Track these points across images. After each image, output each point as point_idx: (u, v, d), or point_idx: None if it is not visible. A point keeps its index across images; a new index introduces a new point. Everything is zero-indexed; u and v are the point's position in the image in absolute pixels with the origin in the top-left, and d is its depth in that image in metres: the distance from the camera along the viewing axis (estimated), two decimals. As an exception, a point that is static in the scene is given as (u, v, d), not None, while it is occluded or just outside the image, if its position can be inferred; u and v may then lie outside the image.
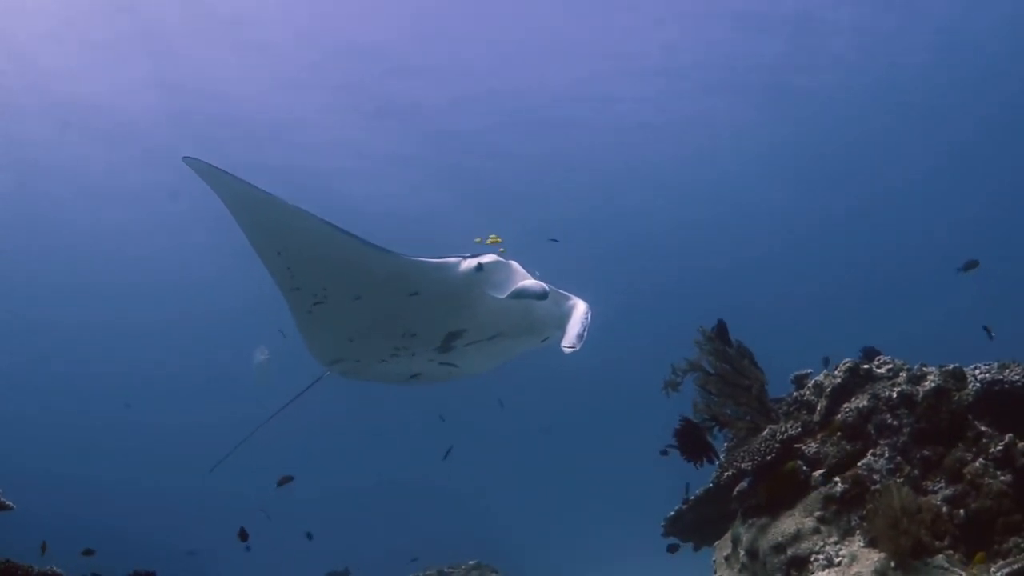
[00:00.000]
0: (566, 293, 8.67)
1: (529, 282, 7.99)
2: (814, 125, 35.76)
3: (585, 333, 7.77)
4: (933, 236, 40.48)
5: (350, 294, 8.58)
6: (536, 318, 8.70)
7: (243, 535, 9.07)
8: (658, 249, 43.62)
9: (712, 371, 7.29)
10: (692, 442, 6.99)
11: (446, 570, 13.03)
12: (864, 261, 44.14)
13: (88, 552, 8.72)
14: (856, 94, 33.71)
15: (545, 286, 7.97)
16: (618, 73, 31.54)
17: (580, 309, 8.28)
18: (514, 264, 8.27)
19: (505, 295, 7.96)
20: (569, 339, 7.70)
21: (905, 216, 41.75)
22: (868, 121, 35.83)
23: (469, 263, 8.14)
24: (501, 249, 8.41)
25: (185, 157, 7.45)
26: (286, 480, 11.61)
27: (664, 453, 7.50)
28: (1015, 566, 5.11)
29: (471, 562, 13.11)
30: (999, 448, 5.93)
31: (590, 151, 36.49)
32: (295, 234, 8.07)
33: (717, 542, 7.39)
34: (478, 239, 8.68)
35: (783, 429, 6.72)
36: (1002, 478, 5.78)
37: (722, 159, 37.87)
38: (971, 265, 14.41)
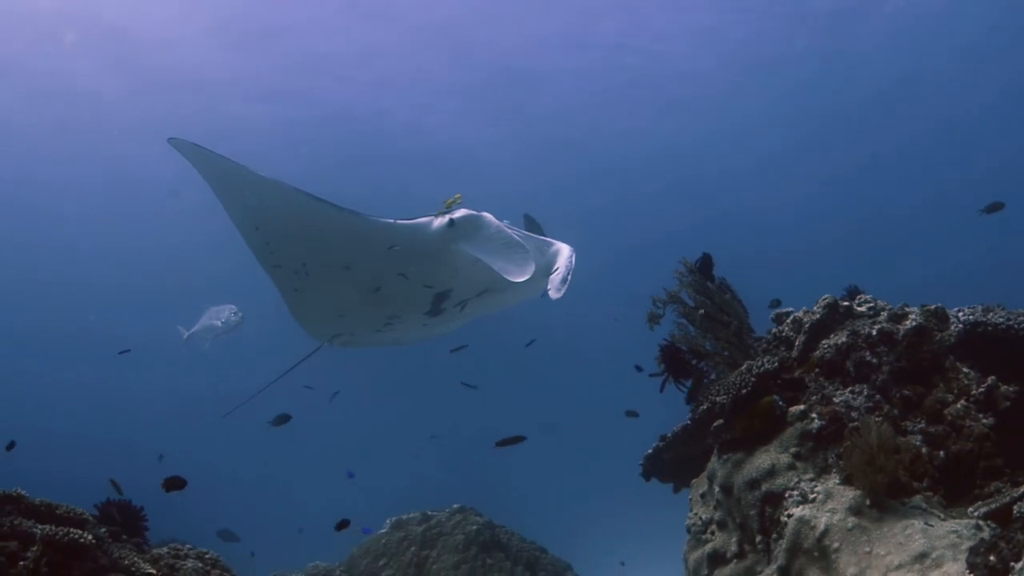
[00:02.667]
0: (549, 240, 8.58)
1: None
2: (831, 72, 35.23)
3: (569, 277, 7.66)
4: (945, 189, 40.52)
5: (330, 264, 8.56)
6: None
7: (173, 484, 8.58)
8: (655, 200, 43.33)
9: (692, 304, 7.18)
10: (677, 361, 6.93)
11: (430, 513, 13.03)
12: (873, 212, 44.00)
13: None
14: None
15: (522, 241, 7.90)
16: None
17: (564, 254, 8.18)
18: (487, 216, 8.14)
19: (482, 251, 7.93)
20: (553, 285, 7.61)
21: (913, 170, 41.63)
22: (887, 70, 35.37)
23: (441, 221, 8.11)
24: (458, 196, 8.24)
25: (171, 139, 7.72)
26: (283, 420, 11.25)
27: (639, 369, 7.44)
28: (993, 506, 5.03)
29: (455, 506, 13.11)
30: (981, 390, 5.85)
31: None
32: (270, 206, 8.22)
33: (694, 480, 7.32)
34: (448, 201, 8.47)
35: (760, 363, 6.61)
36: (984, 421, 5.70)
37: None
38: (995, 207, 13.34)
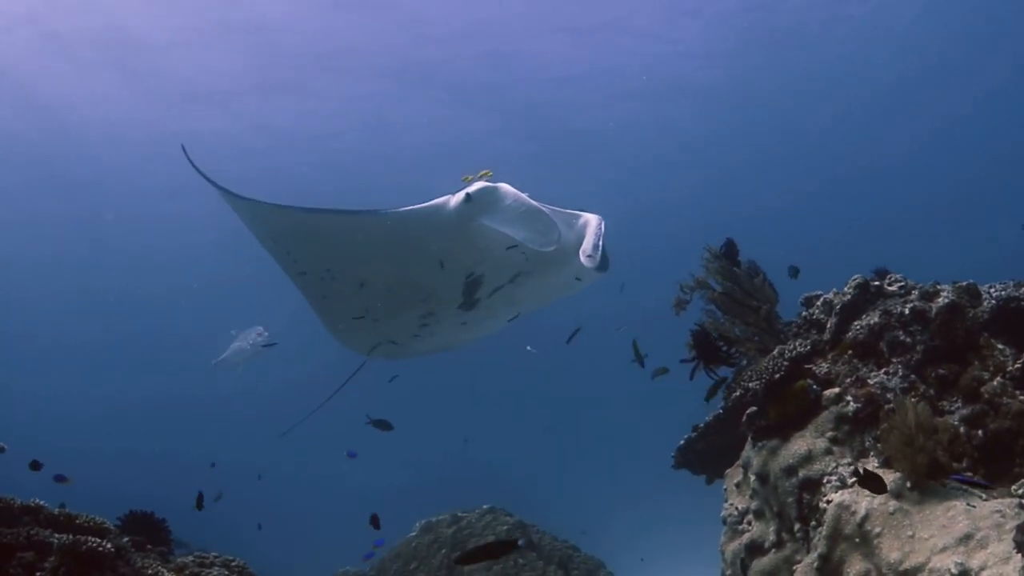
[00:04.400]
0: (575, 212, 8.37)
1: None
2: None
3: (600, 243, 7.52)
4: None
5: (355, 265, 8.55)
6: None
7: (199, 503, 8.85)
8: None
9: (720, 290, 7.09)
10: (708, 347, 6.83)
11: (460, 514, 12.95)
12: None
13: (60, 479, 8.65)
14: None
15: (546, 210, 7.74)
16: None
17: (593, 223, 7.98)
18: (504, 187, 7.96)
19: (503, 222, 7.74)
20: (585, 251, 7.45)
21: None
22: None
23: (457, 197, 7.93)
24: (489, 173, 8.09)
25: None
26: (383, 425, 10.67)
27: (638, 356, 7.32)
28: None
29: (485, 507, 13.03)
30: (1018, 366, 5.74)
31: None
32: (295, 231, 8.32)
33: (728, 470, 7.23)
34: (466, 177, 8.33)
35: (792, 347, 6.52)
36: (1021, 397, 5.58)
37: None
38: None
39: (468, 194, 7.84)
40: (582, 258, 7.42)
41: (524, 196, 7.88)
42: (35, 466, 8.31)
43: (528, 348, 18.68)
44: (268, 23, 28.35)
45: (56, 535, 5.22)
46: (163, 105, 31.04)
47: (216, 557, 6.68)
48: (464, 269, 8.61)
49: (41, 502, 5.63)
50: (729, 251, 7.25)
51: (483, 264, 8.55)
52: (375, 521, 9.45)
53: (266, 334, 21.10)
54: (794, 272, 7.91)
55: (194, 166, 8.22)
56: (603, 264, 8.97)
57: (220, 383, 36.50)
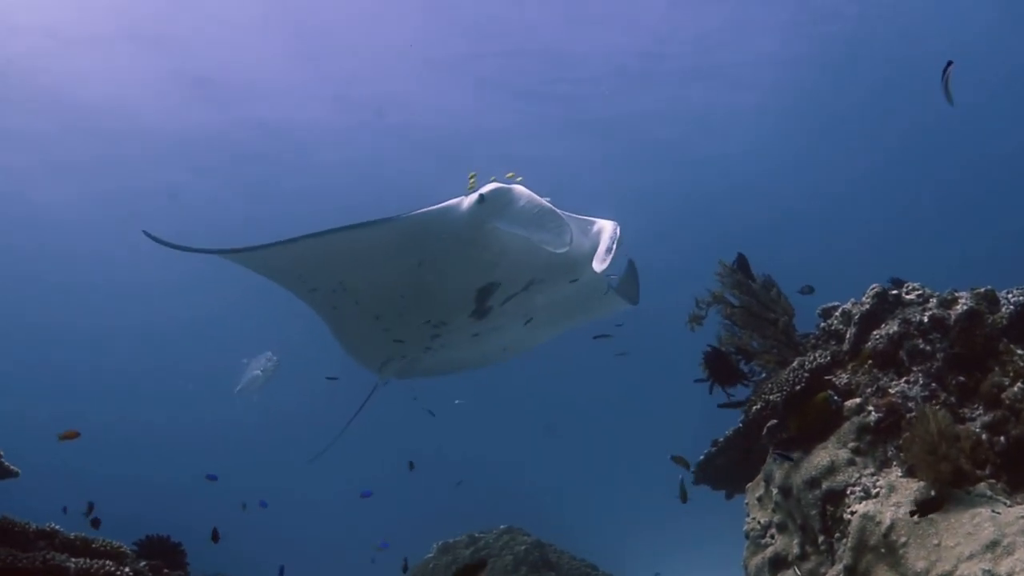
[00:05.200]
0: (590, 219, 8.23)
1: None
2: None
3: (614, 248, 7.40)
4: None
5: (367, 274, 8.40)
6: (566, 252, 7.90)
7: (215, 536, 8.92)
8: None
9: (736, 303, 7.08)
10: (722, 367, 6.78)
11: (477, 535, 12.91)
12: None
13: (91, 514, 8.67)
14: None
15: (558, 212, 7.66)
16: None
17: (608, 229, 7.86)
18: (518, 188, 7.76)
19: (517, 223, 7.59)
20: (598, 257, 7.36)
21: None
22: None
23: (470, 198, 7.73)
24: (519, 178, 8.00)
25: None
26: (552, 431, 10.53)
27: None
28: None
29: (502, 527, 12.99)
30: (1038, 371, 5.71)
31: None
32: (294, 260, 8.20)
33: (749, 484, 7.19)
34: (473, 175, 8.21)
35: (812, 358, 6.50)
36: (1042, 402, 5.56)
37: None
38: None
39: (482, 195, 7.67)
40: (595, 264, 7.34)
41: (538, 197, 7.72)
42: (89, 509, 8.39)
43: (456, 401, 18.61)
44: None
45: (72, 559, 5.18)
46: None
47: (233, 581, 6.67)
48: (476, 273, 8.46)
49: (56, 527, 5.59)
50: (741, 265, 7.24)
51: (496, 268, 8.39)
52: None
53: (275, 359, 21.36)
54: (808, 290, 7.90)
55: (168, 244, 7.94)
56: (631, 292, 8.94)
57: (225, 410, 36.71)
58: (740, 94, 33.90)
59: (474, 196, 7.66)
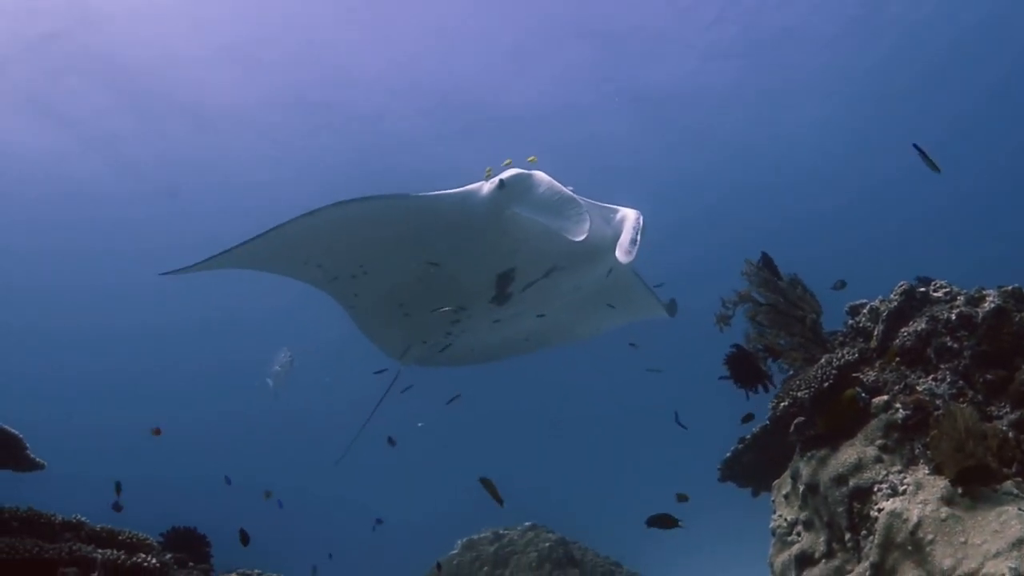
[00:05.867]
0: (613, 206, 8.20)
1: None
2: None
3: (638, 239, 7.37)
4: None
5: (386, 254, 8.38)
6: (587, 240, 7.75)
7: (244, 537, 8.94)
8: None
9: (763, 302, 7.08)
10: (746, 368, 6.77)
11: (502, 532, 12.96)
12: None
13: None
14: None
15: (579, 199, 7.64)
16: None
17: (631, 218, 7.82)
18: (539, 174, 7.79)
19: (536, 209, 7.61)
20: (622, 247, 7.31)
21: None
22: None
23: (491, 184, 7.76)
24: (532, 159, 7.98)
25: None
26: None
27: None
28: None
29: (527, 524, 13.03)
30: (1065, 369, 5.70)
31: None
32: (312, 235, 8.13)
33: (775, 481, 7.19)
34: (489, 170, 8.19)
35: (840, 356, 6.50)
36: (1070, 400, 5.55)
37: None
38: None
39: (502, 180, 7.72)
40: (618, 253, 7.30)
41: (557, 184, 7.72)
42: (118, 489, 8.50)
43: (419, 424, 18.67)
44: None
45: (99, 550, 5.19)
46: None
47: (259, 574, 6.69)
48: (496, 258, 8.47)
49: (83, 518, 5.61)
50: (766, 263, 7.24)
51: (516, 254, 8.41)
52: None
53: (291, 355, 21.75)
54: (840, 285, 7.88)
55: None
56: (670, 306, 8.89)
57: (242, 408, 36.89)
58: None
59: (495, 181, 7.72)
